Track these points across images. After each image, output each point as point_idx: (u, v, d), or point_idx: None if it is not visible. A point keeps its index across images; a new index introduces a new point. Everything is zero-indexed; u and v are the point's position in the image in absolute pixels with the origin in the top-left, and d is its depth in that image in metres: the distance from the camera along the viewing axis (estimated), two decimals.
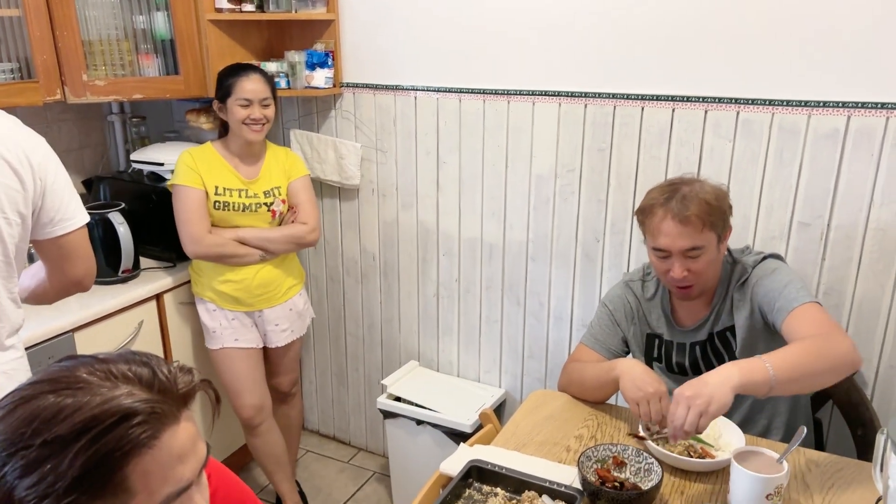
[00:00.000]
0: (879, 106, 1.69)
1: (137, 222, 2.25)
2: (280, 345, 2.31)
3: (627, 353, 1.76)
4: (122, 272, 2.21)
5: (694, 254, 1.50)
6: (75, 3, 2.07)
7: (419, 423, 2.36)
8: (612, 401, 1.69)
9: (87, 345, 2.03)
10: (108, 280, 2.21)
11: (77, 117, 2.52)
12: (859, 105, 1.72)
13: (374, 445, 2.90)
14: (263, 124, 2.09)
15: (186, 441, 0.76)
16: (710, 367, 1.61)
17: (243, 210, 2.13)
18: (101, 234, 2.18)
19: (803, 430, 1.33)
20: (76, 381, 0.73)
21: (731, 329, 1.61)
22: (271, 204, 2.17)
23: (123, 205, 2.24)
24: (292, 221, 2.23)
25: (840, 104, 1.74)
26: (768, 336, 1.57)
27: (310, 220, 2.23)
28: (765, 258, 1.60)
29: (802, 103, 1.77)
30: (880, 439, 1.05)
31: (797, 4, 1.71)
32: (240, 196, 2.13)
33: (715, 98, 1.87)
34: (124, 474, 0.70)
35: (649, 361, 1.72)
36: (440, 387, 2.49)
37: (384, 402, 2.43)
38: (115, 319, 2.13)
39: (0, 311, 1.41)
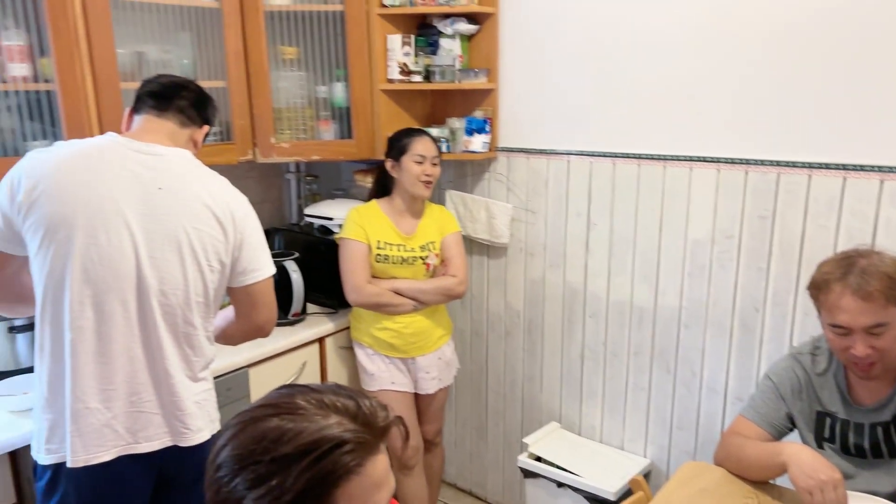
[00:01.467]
0: None
1: (306, 270, 2.45)
2: (429, 392, 2.41)
3: (792, 429, 1.66)
4: (292, 315, 2.41)
5: (877, 331, 1.41)
6: (270, 76, 2.36)
7: (560, 485, 2.34)
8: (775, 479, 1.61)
9: (258, 380, 2.22)
10: (279, 322, 2.40)
11: (260, 175, 2.82)
12: None
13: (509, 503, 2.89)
14: (432, 182, 2.27)
15: (383, 471, 0.84)
16: (894, 450, 1.50)
17: (401, 263, 2.29)
18: (276, 280, 2.38)
19: None
20: (296, 408, 0.83)
21: None
22: (426, 258, 2.32)
23: (297, 254, 2.45)
24: (443, 274, 2.35)
25: None
26: None
27: (459, 273, 2.36)
28: None
29: None
30: None
31: None
32: (399, 250, 2.29)
33: (892, 167, 1.79)
34: (335, 496, 0.78)
35: (819, 441, 1.61)
36: (582, 451, 2.46)
37: (525, 460, 2.43)
38: (283, 359, 2.32)
39: (198, 347, 1.59)
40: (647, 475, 2.40)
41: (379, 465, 0.84)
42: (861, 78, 1.80)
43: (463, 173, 2.70)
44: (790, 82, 1.91)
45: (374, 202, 2.37)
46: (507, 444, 2.82)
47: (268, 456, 0.78)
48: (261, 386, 2.22)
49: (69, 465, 1.45)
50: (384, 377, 2.34)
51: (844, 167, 1.86)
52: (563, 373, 2.59)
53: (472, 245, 2.73)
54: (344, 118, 2.55)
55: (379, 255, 2.29)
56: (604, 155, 2.31)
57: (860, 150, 1.83)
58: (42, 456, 1.48)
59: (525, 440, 2.49)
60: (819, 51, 1.85)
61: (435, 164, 2.28)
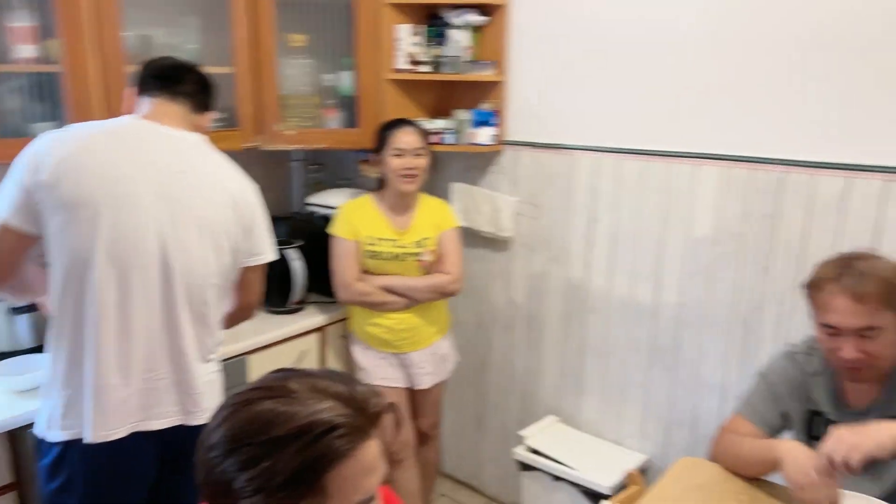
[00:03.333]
0: None
1: (309, 259, 2.46)
2: (424, 387, 2.41)
3: (786, 427, 1.66)
4: (293, 304, 2.42)
5: (869, 334, 1.40)
6: (277, 63, 2.35)
7: (556, 478, 2.34)
8: (769, 475, 1.61)
9: (257, 368, 2.23)
10: (280, 310, 2.42)
11: (265, 162, 2.81)
12: None
13: (507, 496, 2.89)
14: (416, 175, 2.23)
15: (374, 456, 0.85)
16: None
17: (393, 259, 2.28)
18: (278, 268, 2.40)
19: None
20: (289, 392, 0.83)
21: None
22: (419, 255, 2.30)
23: (301, 242, 2.46)
24: (437, 271, 2.33)
25: None
26: None
27: (453, 270, 2.33)
28: None
29: None
30: None
31: None
32: (391, 246, 2.28)
33: (894, 168, 1.78)
34: (326, 479, 0.79)
35: (810, 440, 1.61)
36: (579, 445, 2.46)
37: (522, 453, 2.44)
38: (282, 347, 2.32)
39: (211, 327, 1.63)
40: (643, 470, 2.40)
41: (370, 450, 0.85)
42: (866, 79, 1.78)
43: (469, 166, 2.69)
44: (796, 82, 1.90)
45: (367, 196, 2.36)
46: (505, 437, 2.83)
47: (260, 438, 0.79)
48: (259, 374, 2.20)
49: (87, 440, 1.47)
50: (376, 372, 2.34)
51: (847, 167, 1.85)
52: (562, 367, 2.59)
53: (476, 238, 2.73)
54: (350, 107, 2.55)
55: (370, 250, 2.27)
56: (610, 151, 2.30)
57: (864, 151, 1.82)
58: (55, 432, 1.49)
59: (522, 433, 2.50)
60: (825, 52, 1.84)
61: (419, 156, 2.23)
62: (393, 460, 2.41)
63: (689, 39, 2.07)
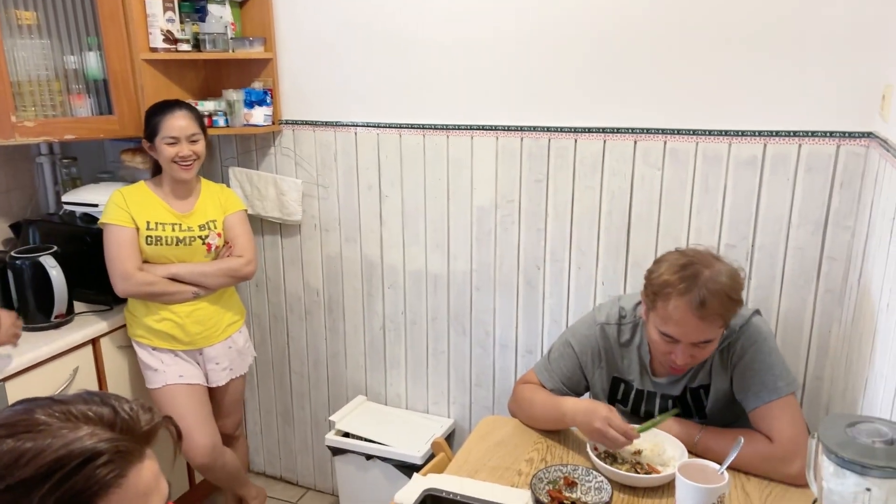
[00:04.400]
0: (792, 134, 1.83)
1: (71, 266, 2.18)
2: (220, 384, 2.27)
3: (586, 390, 1.75)
4: (56, 317, 2.14)
5: (703, 345, 1.46)
6: (3, 44, 2.03)
7: (369, 457, 2.34)
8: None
9: (18, 395, 1.93)
10: (41, 326, 2.13)
11: (4, 159, 2.44)
12: (774, 133, 1.85)
13: (323, 484, 2.85)
14: (193, 161, 2.07)
15: (151, 478, 0.76)
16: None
17: (177, 244, 2.10)
18: (33, 279, 2.10)
19: (740, 441, 1.40)
20: (35, 424, 0.72)
21: (707, 387, 1.60)
22: (206, 237, 2.15)
23: (56, 248, 2.17)
24: (227, 255, 2.20)
25: (757, 133, 1.87)
26: (738, 403, 1.57)
27: (246, 252, 2.21)
28: (751, 316, 1.57)
29: (723, 132, 1.90)
30: (812, 444, 1.12)
31: (716, 44, 1.85)
32: (173, 230, 2.10)
33: (643, 129, 1.98)
34: None
35: (612, 402, 1.71)
36: (389, 420, 2.48)
37: (332, 438, 2.40)
38: (48, 367, 2.05)
39: None
40: (451, 434, 2.49)
41: (144, 473, 0.76)
42: (615, 53, 1.96)
43: (247, 148, 2.55)
44: (557, 55, 2.02)
45: (142, 182, 2.15)
46: (316, 425, 2.77)
47: (5, 483, 0.67)
48: None
49: None
50: (170, 371, 2.15)
51: (604, 130, 2.02)
52: (366, 346, 2.58)
53: (264, 224, 2.61)
54: (102, 92, 2.28)
55: (150, 236, 2.07)
56: (390, 126, 2.31)
57: (618, 115, 2.00)
58: None
59: (331, 418, 2.46)
60: (580, 26, 1.98)
61: (195, 142, 2.07)
62: (204, 470, 2.25)
63: (458, 14, 2.11)
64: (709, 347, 1.48)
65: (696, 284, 1.40)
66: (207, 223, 2.15)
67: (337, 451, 2.41)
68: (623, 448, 1.52)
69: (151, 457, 0.78)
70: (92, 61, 2.24)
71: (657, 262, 1.51)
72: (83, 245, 2.29)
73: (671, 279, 1.43)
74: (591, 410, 1.53)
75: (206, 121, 2.24)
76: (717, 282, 1.41)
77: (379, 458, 2.32)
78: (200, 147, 2.09)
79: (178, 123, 2.04)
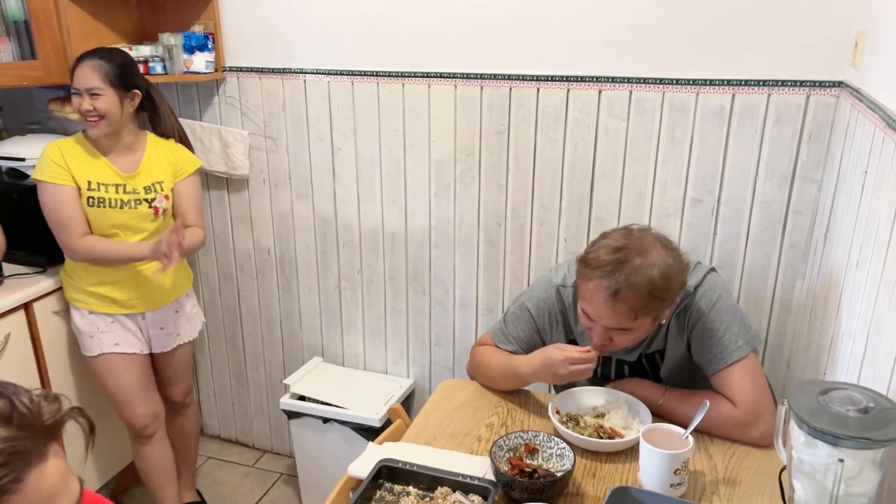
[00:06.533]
0: (761, 83, 1.76)
1: None
2: (166, 350, 2.15)
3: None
4: None
5: (621, 332, 1.40)
6: None
7: (325, 420, 2.27)
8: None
9: None
10: None
11: None
12: (742, 83, 1.77)
13: (280, 447, 2.78)
14: (99, 118, 1.87)
15: (56, 479, 0.67)
16: None
17: (121, 206, 1.95)
18: None
19: (706, 404, 1.36)
20: None
21: (662, 352, 1.56)
22: (153, 200, 2.00)
23: None
24: (176, 228, 1.89)
25: (725, 82, 1.79)
26: (694, 366, 1.54)
27: (200, 221, 2.10)
28: (705, 275, 1.50)
29: (690, 81, 1.81)
30: (781, 410, 1.07)
31: None
32: (117, 191, 1.94)
33: (608, 77, 1.88)
34: None
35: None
36: (346, 382, 2.41)
37: (287, 401, 2.32)
38: None
39: None
40: (410, 395, 2.44)
41: (48, 473, 0.66)
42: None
43: (189, 98, 2.38)
44: (520, 5, 1.90)
45: (79, 134, 1.96)
46: (271, 387, 2.69)
47: None
48: None
49: None
50: (105, 339, 2.02)
51: (567, 79, 1.92)
52: (321, 306, 2.49)
53: (209, 179, 2.46)
54: (24, 35, 2.08)
55: (91, 197, 1.91)
56: (341, 73, 2.16)
57: (582, 63, 1.90)
58: None
59: (287, 381, 2.38)
60: None
61: (96, 96, 1.83)
62: (140, 436, 2.15)
63: None
64: (629, 336, 1.41)
65: (619, 272, 1.33)
66: (153, 184, 1.99)
67: (293, 415, 2.33)
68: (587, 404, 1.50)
69: (57, 454, 0.69)
70: (11, 0, 2.04)
71: (602, 235, 1.44)
72: (11, 202, 2.13)
73: (600, 258, 1.36)
74: (547, 361, 1.47)
75: (140, 68, 2.04)
76: (642, 275, 1.33)
77: (336, 420, 2.26)
78: (101, 103, 1.85)
79: (80, 73, 1.85)
